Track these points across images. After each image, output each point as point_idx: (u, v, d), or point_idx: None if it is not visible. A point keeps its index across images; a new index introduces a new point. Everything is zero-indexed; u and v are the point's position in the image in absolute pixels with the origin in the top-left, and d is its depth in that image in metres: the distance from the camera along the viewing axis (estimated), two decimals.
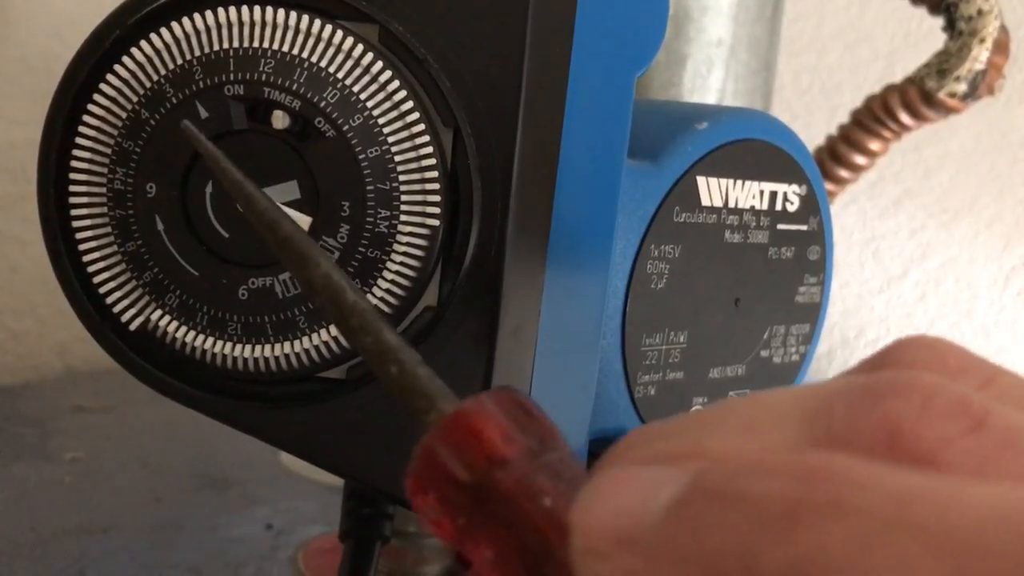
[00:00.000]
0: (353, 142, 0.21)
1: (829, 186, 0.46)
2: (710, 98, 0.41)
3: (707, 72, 0.41)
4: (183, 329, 0.22)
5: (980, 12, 0.44)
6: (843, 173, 0.48)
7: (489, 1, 0.22)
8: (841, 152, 0.47)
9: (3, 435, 0.49)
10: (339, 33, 0.22)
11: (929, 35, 0.49)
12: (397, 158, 0.22)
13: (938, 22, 0.46)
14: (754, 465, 0.12)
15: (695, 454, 0.13)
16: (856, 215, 0.74)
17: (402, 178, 0.22)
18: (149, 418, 0.52)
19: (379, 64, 0.22)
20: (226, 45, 0.22)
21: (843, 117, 0.48)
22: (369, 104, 0.22)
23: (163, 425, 0.51)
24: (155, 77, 0.22)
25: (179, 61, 0.22)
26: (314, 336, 0.22)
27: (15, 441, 0.48)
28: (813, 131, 0.49)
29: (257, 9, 0.22)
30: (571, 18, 0.22)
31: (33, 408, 0.53)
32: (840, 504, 0.11)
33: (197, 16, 0.22)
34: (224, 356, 0.22)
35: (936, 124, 0.48)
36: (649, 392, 0.27)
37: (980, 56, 0.44)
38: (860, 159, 0.47)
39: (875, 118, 0.46)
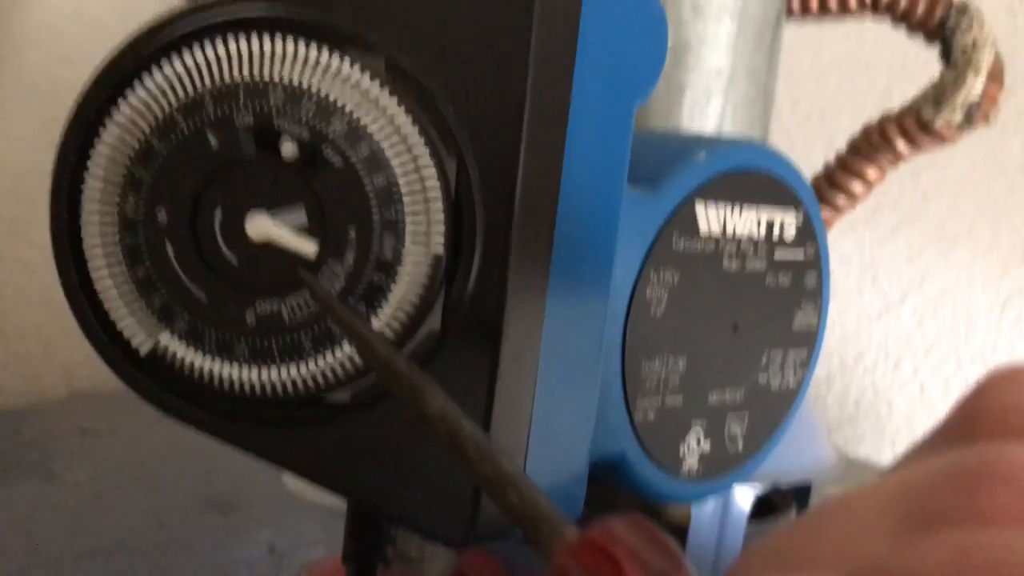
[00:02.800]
0: (359, 170, 0.22)
1: (827, 213, 0.47)
2: (709, 127, 0.42)
3: (706, 101, 0.42)
4: (191, 353, 0.23)
5: (975, 43, 0.45)
6: (841, 200, 0.48)
7: (493, 34, 0.22)
8: (839, 180, 0.48)
9: (8, 457, 0.49)
10: (347, 64, 0.22)
11: (926, 65, 0.50)
12: (403, 187, 0.22)
13: (935, 52, 0.47)
14: (898, 556, 0.12)
15: (818, 563, 0.13)
16: (854, 241, 0.75)
17: (407, 206, 0.22)
18: (153, 441, 0.53)
19: (386, 95, 0.22)
20: (236, 76, 0.22)
21: (841, 145, 0.48)
22: (375, 133, 0.22)
23: (167, 448, 0.52)
24: (167, 106, 0.22)
25: (190, 91, 0.22)
26: (320, 359, 0.22)
27: (19, 463, 0.48)
28: (811, 159, 0.50)
29: (267, 41, 0.22)
30: (572, 50, 0.23)
31: (37, 430, 0.53)
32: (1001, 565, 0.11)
33: (208, 47, 0.22)
34: (232, 379, 0.23)
35: (933, 152, 0.48)
36: (649, 416, 0.27)
37: (975, 86, 0.45)
38: (858, 187, 0.48)
39: (872, 146, 0.47)
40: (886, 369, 0.75)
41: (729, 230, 0.28)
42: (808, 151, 0.71)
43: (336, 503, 0.46)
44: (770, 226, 0.29)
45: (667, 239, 0.27)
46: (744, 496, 0.40)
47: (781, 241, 0.29)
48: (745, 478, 0.30)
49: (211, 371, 0.23)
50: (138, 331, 0.23)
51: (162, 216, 0.23)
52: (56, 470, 0.47)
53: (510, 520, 0.15)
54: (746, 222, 0.28)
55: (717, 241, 0.28)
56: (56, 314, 0.59)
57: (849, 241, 0.74)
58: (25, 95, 0.59)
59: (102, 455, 0.50)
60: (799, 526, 0.14)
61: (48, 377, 0.61)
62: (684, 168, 0.27)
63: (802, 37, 0.72)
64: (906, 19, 0.47)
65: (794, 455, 0.42)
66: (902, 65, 0.73)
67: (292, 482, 0.48)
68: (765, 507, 0.44)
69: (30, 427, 0.53)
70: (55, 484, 0.46)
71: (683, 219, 0.27)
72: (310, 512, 0.45)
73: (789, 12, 0.48)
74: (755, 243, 0.29)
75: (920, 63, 0.71)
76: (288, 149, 0.22)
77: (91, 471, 0.48)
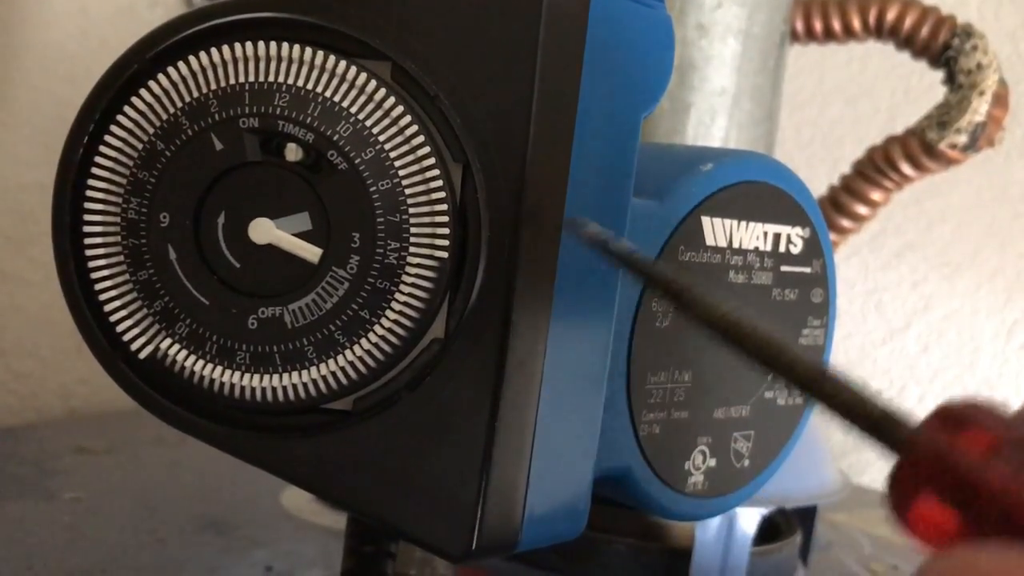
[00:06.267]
0: (364, 175, 0.22)
1: (832, 236, 0.47)
2: (713, 146, 0.42)
3: (711, 121, 0.42)
4: (192, 358, 0.22)
5: (979, 65, 0.45)
6: (845, 223, 0.48)
7: (499, 41, 0.22)
8: (843, 202, 0.48)
9: (4, 475, 0.48)
10: (353, 69, 0.22)
11: (929, 90, 0.50)
12: (407, 191, 0.22)
13: (938, 77, 0.47)
14: None
15: None
16: (858, 267, 0.75)
17: (412, 211, 0.22)
18: (150, 460, 0.52)
19: (391, 100, 0.22)
20: (242, 79, 0.22)
21: (845, 170, 0.48)
22: (381, 138, 0.22)
23: (164, 467, 0.51)
24: (171, 109, 0.22)
25: (195, 94, 0.22)
26: (322, 366, 0.22)
27: (15, 481, 0.48)
28: (815, 184, 0.49)
29: (273, 45, 0.22)
30: (579, 58, 0.23)
31: (34, 449, 0.52)
32: None
33: (214, 50, 0.22)
34: (232, 385, 0.22)
35: (937, 177, 0.48)
36: (654, 431, 0.27)
37: (980, 108, 0.45)
38: (862, 209, 0.48)
39: (876, 168, 0.47)
40: (891, 395, 0.75)
41: (735, 242, 0.28)
42: (812, 176, 0.71)
43: (334, 523, 0.46)
44: (776, 240, 0.29)
45: (673, 250, 0.26)
46: (749, 518, 0.40)
47: (788, 255, 0.29)
48: (751, 496, 0.30)
49: (211, 377, 0.22)
50: (139, 335, 0.23)
51: (165, 219, 0.22)
52: (52, 488, 0.47)
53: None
54: (752, 235, 0.28)
55: (723, 253, 0.27)
56: (54, 333, 0.58)
57: (853, 266, 0.74)
58: (27, 113, 0.60)
59: (99, 474, 0.50)
60: None
61: (46, 396, 0.61)
62: (690, 180, 0.27)
63: (805, 63, 0.72)
64: (910, 42, 0.47)
65: (800, 478, 0.42)
66: (905, 91, 0.74)
67: (290, 502, 0.48)
68: (770, 531, 0.43)
69: (27, 445, 0.53)
70: (51, 502, 0.45)
71: (689, 230, 0.27)
72: (308, 532, 0.45)
73: (794, 36, 0.48)
74: (761, 256, 0.28)
75: (923, 88, 0.71)
76: (293, 152, 0.22)
77: (88, 490, 0.47)
